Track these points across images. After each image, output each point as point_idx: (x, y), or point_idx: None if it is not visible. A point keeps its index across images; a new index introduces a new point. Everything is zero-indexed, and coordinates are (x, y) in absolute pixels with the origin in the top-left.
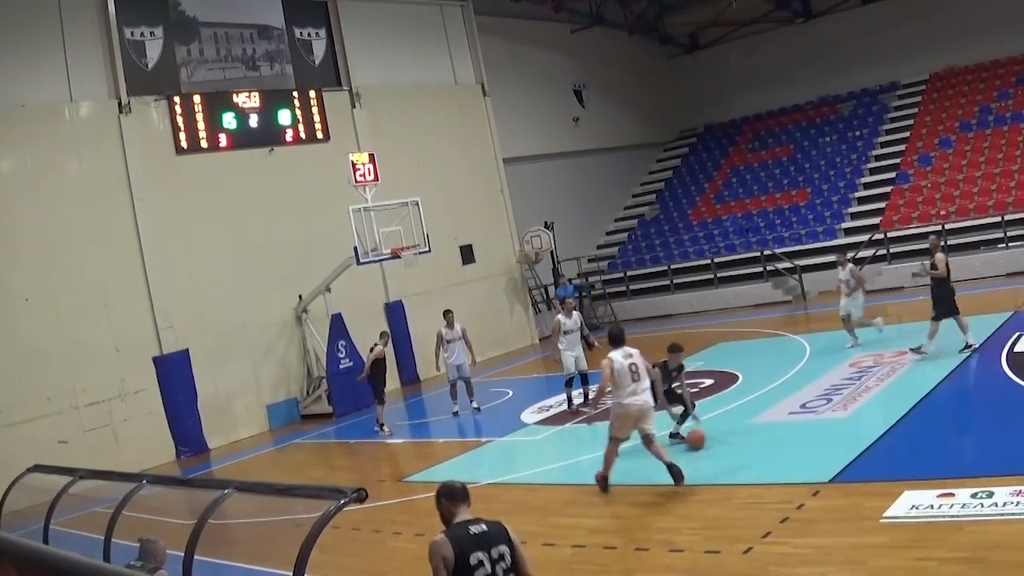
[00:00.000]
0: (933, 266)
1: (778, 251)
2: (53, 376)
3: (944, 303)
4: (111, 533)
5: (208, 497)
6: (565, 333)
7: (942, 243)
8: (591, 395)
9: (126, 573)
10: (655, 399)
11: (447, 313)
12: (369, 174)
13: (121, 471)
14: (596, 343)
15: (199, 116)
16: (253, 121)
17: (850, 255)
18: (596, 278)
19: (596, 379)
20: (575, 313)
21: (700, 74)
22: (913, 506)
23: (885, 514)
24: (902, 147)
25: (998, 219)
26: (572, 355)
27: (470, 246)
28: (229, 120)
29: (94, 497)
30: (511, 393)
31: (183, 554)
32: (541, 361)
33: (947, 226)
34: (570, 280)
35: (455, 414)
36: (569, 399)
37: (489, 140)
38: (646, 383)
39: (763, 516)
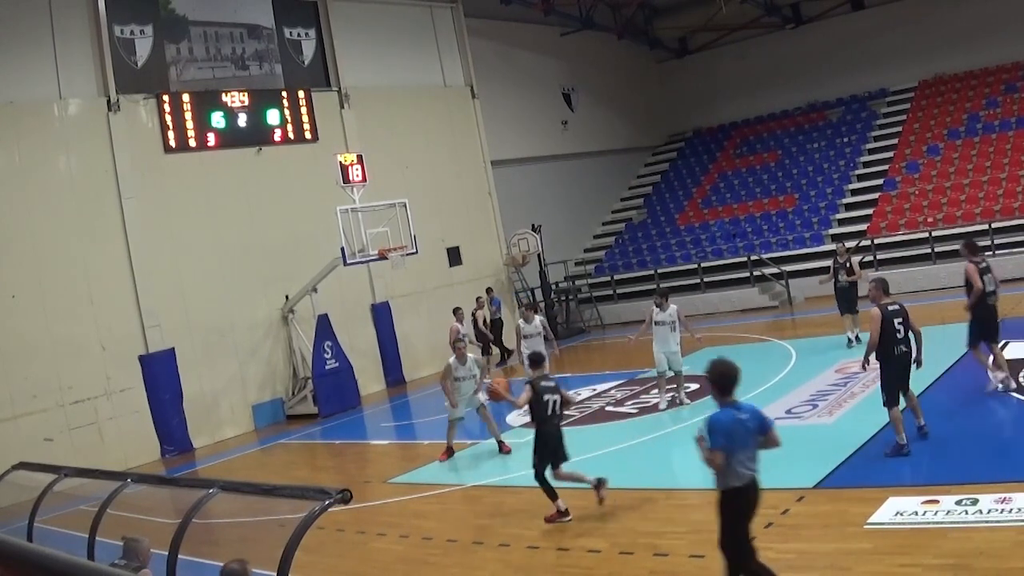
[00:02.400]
0: (851, 271)
1: (765, 256)
2: (39, 373)
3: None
4: (95, 531)
5: (193, 496)
6: (525, 337)
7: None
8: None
9: (111, 571)
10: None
11: (458, 310)
12: (357, 175)
13: (106, 469)
14: (558, 351)
15: (188, 115)
16: (242, 120)
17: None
18: (583, 281)
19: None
20: (536, 318)
21: (689, 79)
22: (898, 512)
23: (870, 520)
24: (890, 154)
25: (985, 227)
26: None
27: (457, 248)
28: (218, 119)
29: (79, 495)
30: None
31: (167, 553)
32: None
33: (934, 233)
34: (490, 291)
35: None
36: None
37: (477, 142)
38: None
39: None
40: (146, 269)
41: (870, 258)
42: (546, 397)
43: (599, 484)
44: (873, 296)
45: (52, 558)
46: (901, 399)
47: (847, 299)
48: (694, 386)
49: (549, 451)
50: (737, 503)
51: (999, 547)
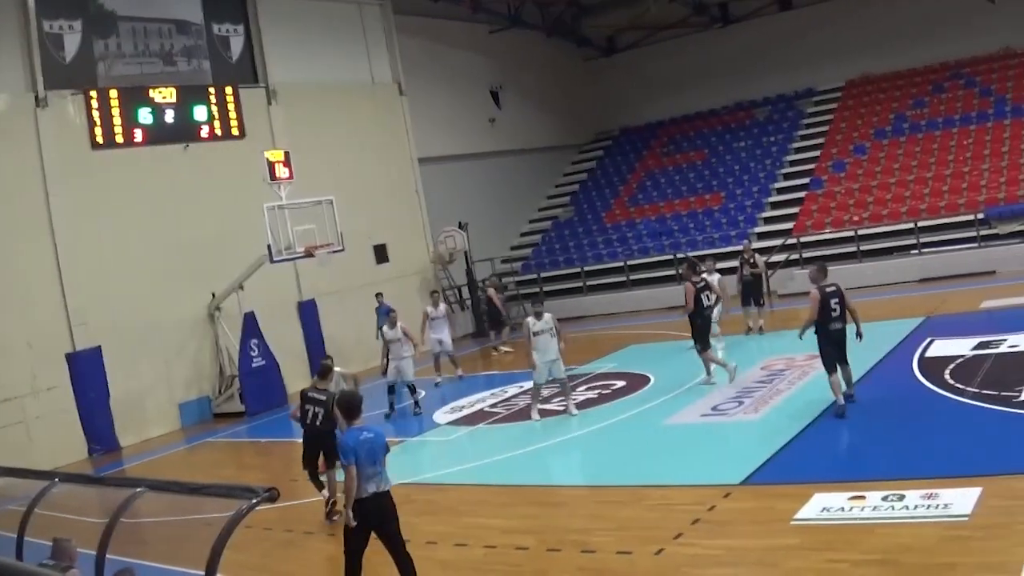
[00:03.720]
0: (755, 265)
1: (691, 254)
2: None
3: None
4: (24, 531)
5: (120, 496)
6: (389, 342)
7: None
8: (418, 400)
9: (39, 572)
10: None
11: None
12: (284, 172)
13: (34, 469)
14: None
15: (115, 111)
16: (169, 117)
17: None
18: (510, 279)
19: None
20: (399, 324)
21: (617, 77)
22: (824, 508)
23: (796, 516)
24: (817, 153)
25: (911, 226)
26: (394, 365)
27: (384, 246)
28: (145, 115)
29: (6, 495)
30: (423, 393)
31: (95, 553)
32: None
33: (860, 232)
34: (380, 296)
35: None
36: (391, 405)
37: (405, 140)
38: None
39: (675, 517)
40: (73, 266)
41: (796, 256)
42: (306, 407)
43: (332, 505)
44: (813, 278)
45: None
46: (838, 369)
47: (752, 292)
48: (620, 383)
49: (306, 456)
50: (360, 513)
51: (926, 543)
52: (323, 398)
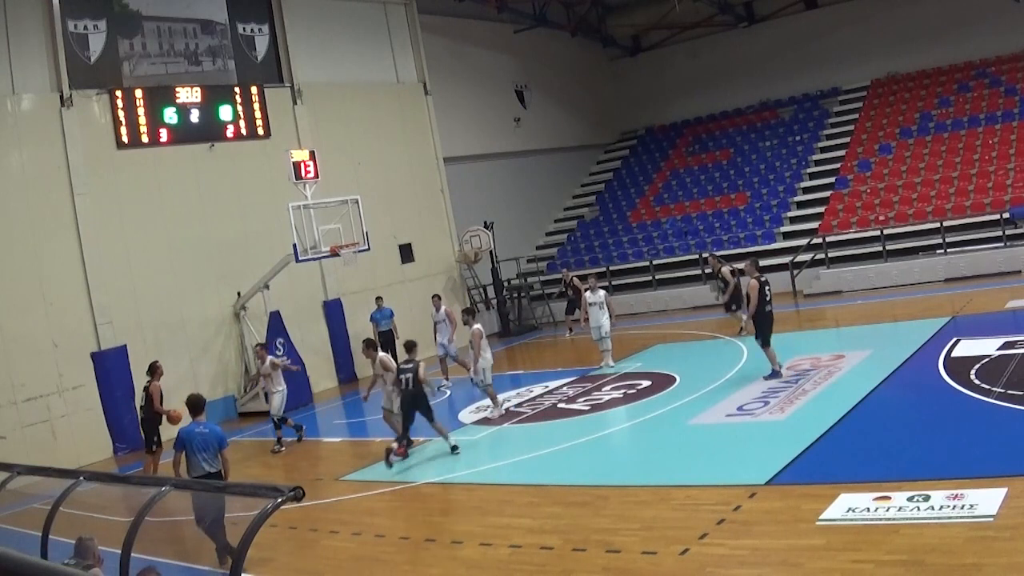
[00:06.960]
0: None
1: (717, 254)
2: None
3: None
4: (48, 530)
5: (145, 494)
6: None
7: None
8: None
9: (65, 570)
10: None
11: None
12: (309, 171)
13: (59, 467)
14: None
15: (140, 110)
16: (194, 116)
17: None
18: (535, 279)
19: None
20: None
21: (642, 77)
22: (850, 508)
23: (822, 516)
24: (842, 152)
25: (937, 225)
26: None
27: (409, 245)
28: (170, 115)
29: (32, 493)
30: (449, 393)
31: (120, 552)
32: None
33: (886, 231)
34: (380, 300)
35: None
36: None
37: (430, 139)
38: None
39: (700, 517)
40: (98, 265)
41: (821, 256)
42: (401, 376)
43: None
44: (748, 271)
45: (4, 556)
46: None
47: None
48: (646, 383)
49: (406, 415)
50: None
51: (951, 543)
52: (411, 367)
